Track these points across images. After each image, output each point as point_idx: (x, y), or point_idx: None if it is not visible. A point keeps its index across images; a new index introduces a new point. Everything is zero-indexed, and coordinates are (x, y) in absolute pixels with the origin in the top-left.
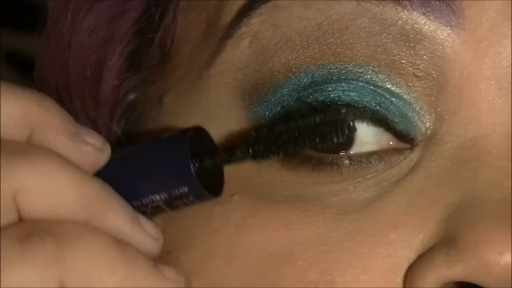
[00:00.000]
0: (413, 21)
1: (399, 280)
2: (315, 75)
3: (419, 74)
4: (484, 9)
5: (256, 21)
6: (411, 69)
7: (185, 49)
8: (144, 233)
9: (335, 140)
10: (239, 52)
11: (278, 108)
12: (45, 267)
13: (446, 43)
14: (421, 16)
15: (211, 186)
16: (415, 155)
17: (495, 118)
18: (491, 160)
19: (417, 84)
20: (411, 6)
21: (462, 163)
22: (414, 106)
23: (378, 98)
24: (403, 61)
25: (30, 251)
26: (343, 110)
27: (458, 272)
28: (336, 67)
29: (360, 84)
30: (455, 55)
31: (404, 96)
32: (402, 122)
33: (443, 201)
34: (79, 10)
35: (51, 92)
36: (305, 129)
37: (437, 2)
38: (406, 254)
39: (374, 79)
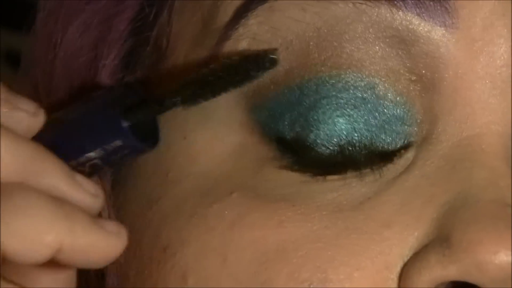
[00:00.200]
0: (407, 22)
1: (393, 277)
2: (320, 88)
3: (415, 77)
4: (478, 8)
5: (254, 23)
6: (407, 73)
7: (181, 48)
8: (81, 190)
9: (255, 74)
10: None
11: (278, 113)
12: None
13: (440, 43)
14: (416, 16)
15: (146, 137)
16: (410, 154)
17: (489, 117)
18: (485, 159)
19: (412, 87)
20: (406, 7)
21: (457, 162)
22: (410, 107)
23: (373, 122)
24: (399, 67)
25: None
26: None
27: (453, 272)
28: (340, 81)
29: (360, 107)
30: (450, 55)
31: (398, 99)
32: (398, 139)
33: (438, 200)
34: (72, 9)
35: (30, 90)
36: (229, 69)
37: (432, 3)
38: (400, 252)
39: (374, 95)
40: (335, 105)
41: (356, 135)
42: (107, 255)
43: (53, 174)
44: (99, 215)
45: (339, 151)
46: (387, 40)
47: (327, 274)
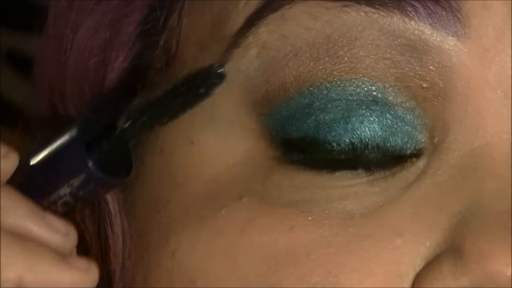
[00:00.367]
0: (420, 32)
1: (405, 286)
2: (330, 92)
3: (426, 85)
4: (490, 18)
5: (264, 31)
6: (418, 80)
7: (190, 53)
8: (49, 229)
9: (205, 91)
10: (247, 61)
11: (287, 117)
12: None
13: (452, 52)
14: (428, 26)
15: (114, 171)
16: (421, 163)
17: (501, 126)
18: (496, 168)
19: (424, 95)
20: (418, 17)
21: (468, 171)
22: (421, 113)
23: (386, 122)
24: (411, 73)
25: None
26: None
27: (465, 283)
28: (351, 84)
29: (373, 116)
30: (461, 65)
31: (409, 104)
32: (409, 143)
33: (450, 210)
34: (82, 10)
35: (44, 94)
36: (178, 90)
37: (444, 13)
38: (412, 261)
39: (385, 98)
40: (345, 107)
41: (368, 133)
42: None
43: (18, 212)
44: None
45: (350, 153)
46: (399, 48)
47: (339, 279)
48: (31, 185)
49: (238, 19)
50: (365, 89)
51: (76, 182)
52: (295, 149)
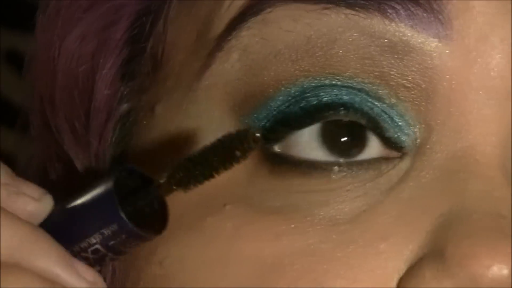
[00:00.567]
0: (400, 33)
1: None
2: (305, 86)
3: (408, 85)
4: (472, 19)
5: (246, 35)
6: (400, 80)
7: (176, 58)
8: (76, 276)
9: (241, 154)
10: (229, 65)
11: (270, 119)
12: None
13: (434, 54)
14: (409, 28)
15: (149, 225)
16: (404, 164)
17: (484, 128)
18: (480, 170)
19: (406, 95)
20: (399, 19)
21: (452, 173)
22: (404, 116)
23: (369, 104)
24: (392, 72)
25: None
26: (339, 110)
27: (448, 286)
28: (326, 78)
29: (351, 91)
30: (444, 66)
31: (394, 107)
32: (392, 128)
33: (433, 212)
34: (70, 18)
35: (35, 102)
36: (216, 150)
37: (425, 14)
38: (396, 265)
39: (364, 88)
40: (322, 96)
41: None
42: None
43: (47, 257)
44: None
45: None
46: (379, 49)
47: (323, 287)
48: (63, 230)
49: (221, 23)
50: (345, 85)
51: (107, 231)
52: (277, 156)
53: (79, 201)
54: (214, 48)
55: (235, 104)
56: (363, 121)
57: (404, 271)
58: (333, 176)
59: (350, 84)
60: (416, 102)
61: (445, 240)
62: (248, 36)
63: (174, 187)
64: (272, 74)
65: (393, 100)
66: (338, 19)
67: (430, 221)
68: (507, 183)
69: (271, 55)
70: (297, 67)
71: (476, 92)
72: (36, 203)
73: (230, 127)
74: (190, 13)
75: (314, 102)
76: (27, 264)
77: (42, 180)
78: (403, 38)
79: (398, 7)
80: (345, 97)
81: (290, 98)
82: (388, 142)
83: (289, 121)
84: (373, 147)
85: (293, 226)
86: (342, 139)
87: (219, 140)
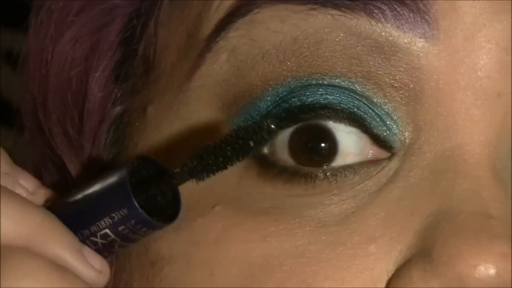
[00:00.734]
0: (387, 34)
1: None
2: (292, 86)
3: (396, 84)
4: (459, 19)
5: (234, 36)
6: (387, 79)
7: (168, 59)
8: (86, 264)
9: (254, 145)
10: (217, 66)
11: (258, 119)
12: None
13: (421, 54)
14: (395, 28)
15: (163, 214)
16: (393, 165)
17: (472, 128)
18: (468, 170)
19: (394, 94)
20: (385, 19)
21: (440, 173)
22: (392, 116)
23: (356, 102)
24: (379, 72)
25: None
26: (321, 112)
27: (435, 286)
28: (313, 78)
29: (338, 89)
30: (431, 66)
31: (382, 106)
32: (380, 126)
33: (421, 212)
34: (62, 21)
35: (28, 106)
36: (230, 141)
37: (411, 14)
38: (385, 266)
39: (351, 87)
40: (308, 96)
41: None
42: None
43: (58, 243)
44: None
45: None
46: (366, 49)
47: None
48: (75, 212)
49: (210, 24)
50: (332, 84)
51: (117, 215)
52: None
53: (92, 186)
54: (203, 49)
55: (224, 105)
56: (347, 121)
57: (393, 272)
58: (318, 182)
59: (337, 84)
60: (404, 102)
61: (432, 240)
62: (236, 37)
63: (188, 176)
64: (260, 75)
65: (381, 100)
66: (324, 20)
67: (419, 221)
68: (497, 183)
69: (258, 56)
70: (285, 67)
71: (464, 92)
72: (29, 196)
73: (220, 127)
74: (181, 14)
75: (299, 103)
76: (39, 249)
77: None
78: (390, 38)
79: (384, 7)
80: (330, 97)
81: (277, 98)
82: (378, 140)
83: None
84: (365, 148)
85: (281, 227)
86: (322, 144)
87: (234, 130)
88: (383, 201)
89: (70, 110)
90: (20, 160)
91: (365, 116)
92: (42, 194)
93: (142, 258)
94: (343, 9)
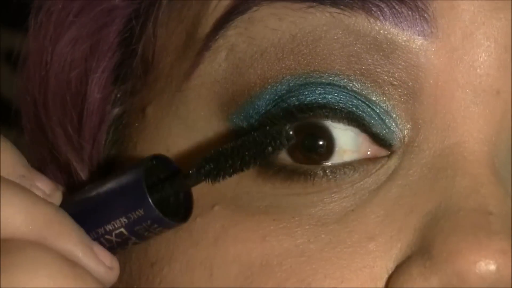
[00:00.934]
0: (386, 32)
1: None
2: (291, 84)
3: (395, 82)
4: (458, 17)
5: (232, 34)
6: (386, 77)
7: (166, 60)
8: (96, 260)
9: (272, 150)
10: (216, 64)
11: (257, 118)
12: None
13: (420, 52)
14: (394, 26)
15: (175, 213)
16: (392, 162)
17: (471, 125)
18: (467, 167)
19: (393, 92)
20: (383, 17)
21: (439, 171)
22: (391, 114)
23: (354, 101)
24: (378, 69)
25: None
26: (320, 112)
27: (435, 282)
28: (312, 76)
29: (336, 88)
30: (429, 64)
31: (381, 104)
32: (379, 124)
33: (420, 210)
34: (61, 22)
35: (29, 107)
36: (247, 145)
37: (410, 12)
38: (384, 264)
39: (350, 85)
40: (306, 95)
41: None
42: None
43: (69, 240)
44: None
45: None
46: (364, 46)
47: (311, 287)
48: (90, 211)
49: (208, 23)
50: (331, 83)
51: (133, 216)
52: None
53: (108, 186)
54: (202, 47)
55: (223, 103)
56: (346, 121)
57: (393, 269)
58: (317, 180)
59: (335, 82)
60: (402, 99)
61: (432, 238)
62: (235, 35)
63: (203, 178)
64: (258, 73)
65: (380, 98)
66: (322, 17)
67: (418, 219)
68: (496, 180)
69: (257, 54)
70: (283, 65)
71: (463, 90)
72: (46, 198)
73: (219, 126)
74: (180, 15)
75: (297, 103)
76: (51, 243)
77: None
78: (388, 36)
79: (382, 5)
80: (329, 96)
81: (276, 97)
82: (377, 138)
83: (274, 121)
84: (363, 146)
85: (281, 226)
86: (320, 142)
87: (252, 135)
88: (382, 199)
89: (69, 111)
90: None
91: (364, 115)
92: (58, 196)
93: (141, 259)
94: (341, 6)
